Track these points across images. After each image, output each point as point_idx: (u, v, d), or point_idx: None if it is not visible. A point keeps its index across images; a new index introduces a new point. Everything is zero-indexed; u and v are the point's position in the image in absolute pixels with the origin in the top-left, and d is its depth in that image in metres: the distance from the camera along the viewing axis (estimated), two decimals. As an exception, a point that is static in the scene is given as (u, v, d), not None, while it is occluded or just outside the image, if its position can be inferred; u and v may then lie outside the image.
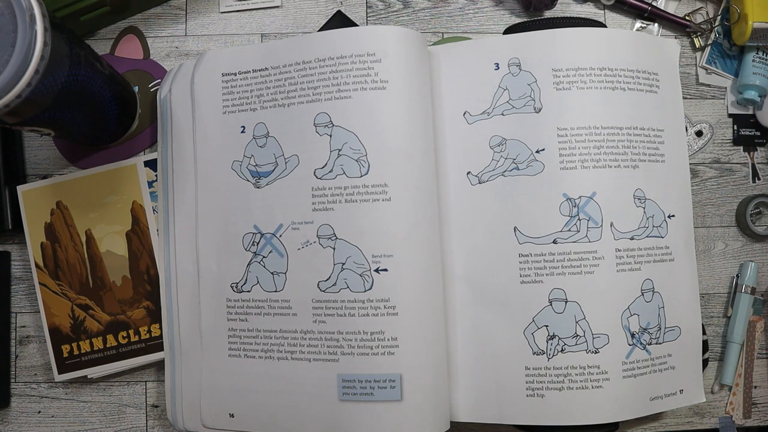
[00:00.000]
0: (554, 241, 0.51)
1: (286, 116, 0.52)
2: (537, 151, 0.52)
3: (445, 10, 0.61)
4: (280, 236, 0.52)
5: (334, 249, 0.50)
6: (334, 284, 0.50)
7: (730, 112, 0.62)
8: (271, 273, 0.52)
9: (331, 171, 0.51)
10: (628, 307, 0.51)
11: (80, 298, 0.56)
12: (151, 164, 0.57)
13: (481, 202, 0.53)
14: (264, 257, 0.52)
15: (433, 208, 0.52)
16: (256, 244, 0.53)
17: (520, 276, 0.51)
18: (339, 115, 0.50)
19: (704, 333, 0.58)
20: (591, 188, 0.51)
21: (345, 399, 0.49)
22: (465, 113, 0.54)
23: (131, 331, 0.55)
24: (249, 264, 0.53)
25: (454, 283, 0.53)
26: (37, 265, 0.56)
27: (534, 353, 0.51)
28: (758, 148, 0.62)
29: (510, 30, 0.56)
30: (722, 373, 0.59)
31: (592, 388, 0.50)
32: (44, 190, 0.56)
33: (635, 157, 0.52)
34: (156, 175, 0.57)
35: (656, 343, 0.52)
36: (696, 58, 0.62)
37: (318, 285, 0.50)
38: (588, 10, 0.62)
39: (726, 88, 0.62)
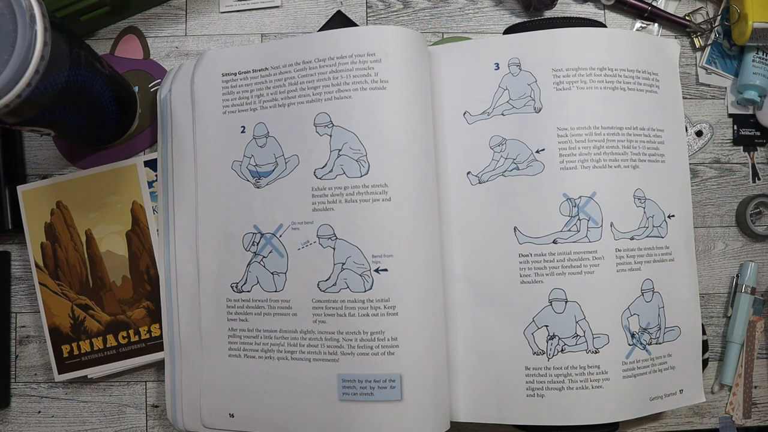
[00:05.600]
0: (554, 241, 0.51)
1: (286, 116, 0.52)
2: (537, 151, 0.52)
3: (445, 10, 0.61)
4: (280, 236, 0.52)
5: (334, 249, 0.50)
6: (334, 284, 0.50)
7: (730, 112, 0.62)
8: (271, 273, 0.52)
9: (331, 171, 0.51)
10: (628, 307, 0.51)
11: (80, 298, 0.56)
12: (151, 164, 0.57)
13: (481, 202, 0.53)
14: (264, 257, 0.52)
15: (433, 208, 0.52)
16: (256, 244, 0.53)
17: (520, 276, 0.51)
18: (339, 115, 0.50)
19: (704, 333, 0.58)
20: (591, 188, 0.51)
21: (345, 399, 0.49)
22: (465, 113, 0.54)
23: (131, 331, 0.55)
24: (249, 264, 0.53)
25: (454, 283, 0.53)
26: (37, 265, 0.56)
27: (534, 353, 0.51)
28: (758, 148, 0.62)
29: (510, 30, 0.56)
30: (722, 373, 0.59)
31: (592, 388, 0.50)
32: (44, 190, 0.56)
33: (635, 157, 0.52)
34: (156, 175, 0.57)
35: (656, 343, 0.52)
36: (696, 58, 0.62)
37: (318, 285, 0.50)
38: (588, 10, 0.62)
39: (726, 88, 0.62)
